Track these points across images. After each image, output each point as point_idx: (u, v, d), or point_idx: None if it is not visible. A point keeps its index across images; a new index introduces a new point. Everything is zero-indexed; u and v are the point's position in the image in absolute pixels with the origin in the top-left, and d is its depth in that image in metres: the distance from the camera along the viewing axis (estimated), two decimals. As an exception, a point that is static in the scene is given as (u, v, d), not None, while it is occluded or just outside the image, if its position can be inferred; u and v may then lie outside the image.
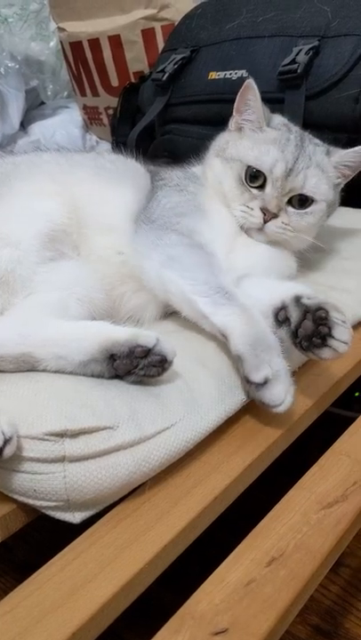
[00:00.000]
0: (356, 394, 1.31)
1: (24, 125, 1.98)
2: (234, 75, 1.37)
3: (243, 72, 1.35)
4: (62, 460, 0.60)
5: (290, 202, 0.91)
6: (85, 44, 1.83)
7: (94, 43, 1.80)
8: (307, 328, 0.70)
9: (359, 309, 0.93)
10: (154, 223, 0.86)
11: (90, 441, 0.61)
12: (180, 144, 1.51)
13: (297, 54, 1.25)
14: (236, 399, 0.72)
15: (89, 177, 0.92)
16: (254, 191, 0.90)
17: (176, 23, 1.62)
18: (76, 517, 0.61)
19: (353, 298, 0.93)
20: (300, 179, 0.89)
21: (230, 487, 0.65)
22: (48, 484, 0.60)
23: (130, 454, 0.62)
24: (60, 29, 1.90)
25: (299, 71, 1.23)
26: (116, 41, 1.76)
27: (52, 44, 2.08)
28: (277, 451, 0.73)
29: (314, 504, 0.65)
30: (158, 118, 1.55)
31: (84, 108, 2.00)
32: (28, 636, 0.50)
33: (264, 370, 0.68)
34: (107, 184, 0.92)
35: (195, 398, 0.69)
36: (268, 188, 0.90)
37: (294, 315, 0.72)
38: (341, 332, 0.69)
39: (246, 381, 0.69)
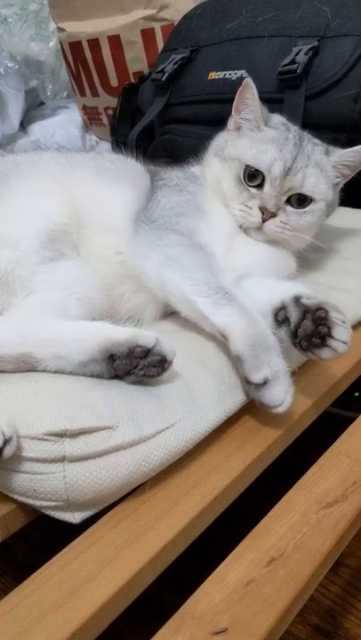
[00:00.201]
0: (356, 394, 1.31)
1: (24, 125, 1.98)
2: (233, 75, 1.37)
3: (242, 72, 1.35)
4: (62, 460, 0.60)
5: (288, 201, 0.91)
6: (85, 45, 1.83)
7: (94, 43, 1.80)
8: (306, 328, 0.70)
9: (359, 309, 0.93)
10: (154, 223, 0.86)
11: (90, 441, 0.61)
12: (179, 144, 1.51)
13: (296, 54, 1.26)
14: (236, 399, 0.72)
15: (89, 177, 0.92)
16: (253, 190, 0.90)
17: (176, 23, 1.62)
18: (75, 517, 0.61)
19: (353, 298, 0.93)
20: (298, 178, 0.89)
21: (230, 487, 0.65)
22: (48, 483, 0.60)
23: (130, 454, 0.62)
24: (60, 29, 1.90)
25: (298, 71, 1.24)
26: (115, 41, 1.76)
27: (51, 44, 2.08)
28: (277, 451, 0.73)
29: (314, 504, 0.65)
30: (158, 118, 1.55)
31: (84, 108, 2.00)
32: (28, 635, 0.50)
33: (264, 370, 0.68)
34: (106, 184, 0.92)
35: (194, 398, 0.69)
36: (267, 187, 0.90)
37: (294, 315, 0.73)
38: (341, 332, 0.69)
39: (246, 382, 0.69)
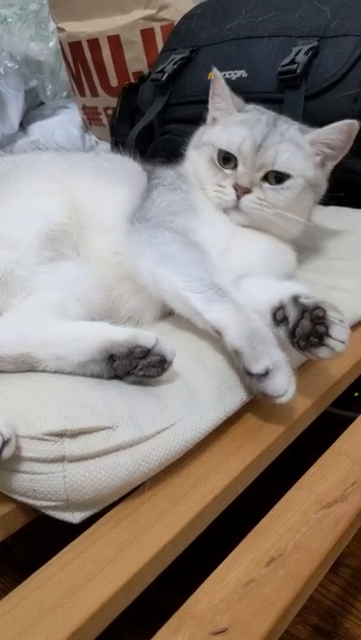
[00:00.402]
0: (356, 394, 1.31)
1: (23, 125, 1.98)
2: (233, 75, 1.37)
3: (242, 72, 1.35)
4: (62, 459, 0.60)
5: (266, 179, 0.91)
6: (85, 45, 1.83)
7: (93, 43, 1.80)
8: (304, 327, 0.70)
9: (359, 309, 0.93)
10: (148, 222, 0.86)
11: (89, 441, 0.61)
12: (179, 144, 1.50)
13: (296, 54, 1.26)
14: (236, 399, 0.72)
15: (87, 177, 0.92)
16: (227, 171, 0.92)
17: (175, 23, 1.62)
18: (75, 517, 0.61)
19: (352, 298, 0.93)
20: (270, 154, 0.90)
21: (230, 487, 0.65)
22: (48, 483, 0.60)
23: (129, 454, 0.62)
24: (60, 29, 1.90)
25: (298, 71, 1.24)
26: (115, 41, 1.76)
27: (51, 44, 2.08)
28: (277, 451, 0.73)
29: (313, 504, 0.65)
30: (158, 118, 1.55)
31: (84, 108, 2.00)
32: (28, 635, 0.50)
33: (264, 360, 0.67)
34: (104, 184, 0.92)
35: (194, 398, 0.69)
36: (240, 166, 0.91)
37: (292, 314, 0.72)
38: (339, 332, 0.70)
39: (246, 374, 0.68)
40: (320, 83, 1.24)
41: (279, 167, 0.90)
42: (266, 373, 0.67)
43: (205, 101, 1.08)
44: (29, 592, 0.54)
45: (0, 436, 0.58)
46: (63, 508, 0.61)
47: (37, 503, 0.61)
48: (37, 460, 0.60)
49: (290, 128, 0.95)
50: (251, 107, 1.00)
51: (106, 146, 1.93)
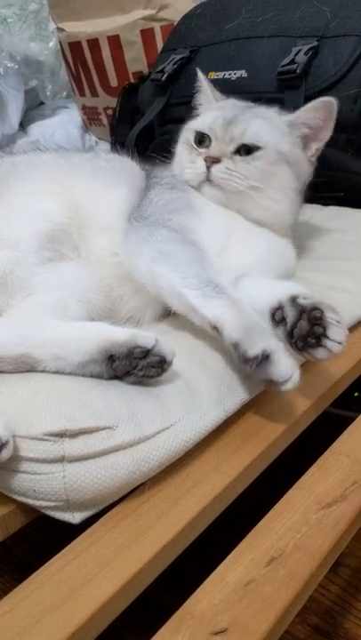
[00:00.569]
0: (356, 394, 1.31)
1: (23, 126, 1.98)
2: (233, 75, 1.37)
3: (242, 72, 1.35)
4: (62, 460, 0.60)
5: (238, 153, 0.93)
6: (84, 45, 1.83)
7: (93, 43, 1.80)
8: (302, 328, 0.70)
9: (358, 309, 0.93)
10: (146, 220, 0.86)
11: (89, 441, 0.61)
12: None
13: (296, 54, 1.26)
14: (236, 399, 0.72)
15: (86, 177, 0.93)
16: (201, 150, 0.95)
17: (175, 23, 1.62)
18: (75, 517, 0.61)
19: (352, 298, 0.93)
20: (240, 127, 0.93)
21: (230, 487, 0.65)
22: (47, 484, 0.60)
23: (129, 454, 0.62)
24: (60, 29, 1.90)
25: (298, 71, 1.24)
26: (115, 41, 1.75)
27: (51, 44, 2.08)
28: (277, 451, 0.73)
29: (313, 504, 0.65)
30: (158, 118, 1.55)
31: (84, 108, 2.00)
32: (28, 635, 0.50)
33: (261, 343, 0.66)
34: (103, 184, 0.92)
35: (194, 398, 0.69)
36: (212, 141, 0.95)
37: (290, 315, 0.72)
38: (336, 333, 0.70)
39: (245, 363, 0.67)
40: (320, 83, 1.24)
41: (248, 139, 0.93)
42: (266, 357, 0.65)
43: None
44: (29, 592, 0.54)
45: None
46: (63, 508, 0.61)
47: (37, 503, 0.61)
48: (37, 461, 0.60)
49: (266, 110, 0.98)
50: (230, 99, 1.05)
51: (106, 146, 1.92)
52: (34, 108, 2.08)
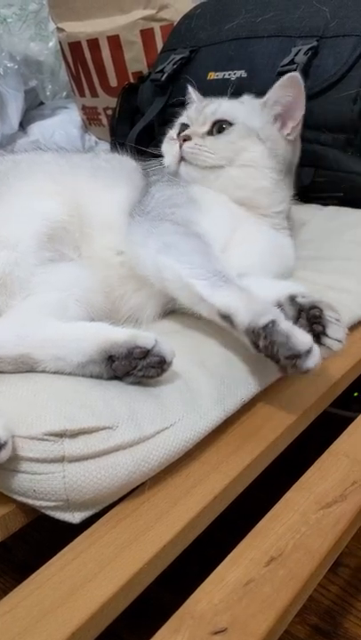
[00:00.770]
0: (355, 394, 1.32)
1: (23, 126, 1.98)
2: (233, 75, 1.37)
3: (242, 72, 1.35)
4: (62, 460, 0.60)
5: (211, 134, 0.98)
6: (84, 45, 1.83)
7: (93, 43, 1.80)
8: (301, 327, 0.70)
9: (358, 309, 0.93)
10: (148, 214, 0.87)
11: (89, 441, 0.61)
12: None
13: (296, 54, 1.25)
14: (236, 399, 0.72)
15: (87, 177, 0.93)
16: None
17: (175, 23, 1.62)
18: (75, 517, 0.61)
19: (352, 298, 0.93)
20: (212, 107, 1.00)
21: (230, 487, 0.65)
22: (47, 484, 0.60)
23: (129, 454, 0.62)
24: (59, 29, 1.90)
25: (298, 71, 1.23)
26: (115, 41, 1.75)
27: (51, 44, 2.07)
28: (277, 451, 0.73)
29: (313, 504, 0.65)
30: (158, 118, 1.55)
31: (83, 108, 2.00)
32: (28, 635, 0.50)
33: (268, 315, 0.65)
34: (104, 184, 0.92)
35: (194, 398, 0.69)
36: (189, 127, 1.00)
37: (289, 314, 0.73)
38: (335, 331, 0.70)
39: (254, 333, 0.66)
40: (320, 83, 1.24)
41: (220, 115, 0.98)
42: (277, 327, 0.64)
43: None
44: (29, 592, 0.54)
45: None
46: (63, 508, 0.61)
47: (37, 503, 0.61)
48: (37, 461, 0.60)
49: (240, 98, 1.05)
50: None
51: (105, 146, 1.92)
52: (34, 108, 2.08)
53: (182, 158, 0.97)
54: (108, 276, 0.84)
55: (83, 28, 1.81)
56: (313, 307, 0.71)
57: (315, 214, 1.25)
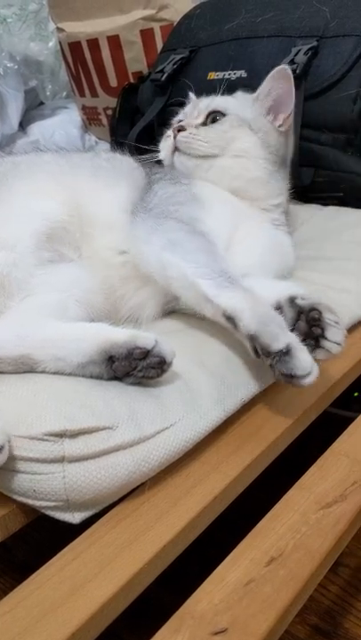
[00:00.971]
0: (356, 394, 1.32)
1: (23, 126, 1.98)
2: (233, 75, 1.37)
3: (242, 72, 1.35)
4: (62, 460, 0.60)
5: (204, 125, 1.01)
6: (84, 45, 1.83)
7: (93, 43, 1.80)
8: (301, 329, 0.70)
9: (358, 309, 0.93)
10: (151, 211, 0.87)
11: (89, 441, 0.61)
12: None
13: (296, 54, 1.25)
14: (236, 399, 0.72)
15: (87, 177, 0.93)
16: None
17: (175, 23, 1.62)
18: (75, 517, 0.61)
19: (352, 298, 0.94)
20: (206, 102, 1.04)
21: (230, 487, 0.65)
22: (47, 484, 0.60)
23: (129, 454, 0.62)
24: (59, 29, 1.90)
25: (298, 71, 1.23)
26: (114, 41, 1.75)
27: (50, 44, 2.07)
28: (277, 451, 0.73)
29: (313, 504, 0.65)
30: (158, 118, 1.55)
31: (83, 108, 2.00)
32: (28, 636, 0.50)
33: (284, 338, 0.66)
34: (104, 183, 0.92)
35: (194, 398, 0.69)
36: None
37: (289, 315, 0.72)
38: (334, 334, 0.70)
39: (267, 356, 0.66)
40: (320, 83, 1.24)
41: (213, 107, 1.02)
42: (288, 351, 0.65)
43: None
44: (29, 592, 0.54)
45: None
46: (63, 509, 0.61)
47: (37, 503, 0.61)
48: (37, 461, 0.60)
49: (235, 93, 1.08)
50: None
51: (105, 146, 1.92)
52: (34, 108, 2.08)
53: (176, 148, 0.99)
54: (109, 277, 0.84)
55: (83, 27, 1.81)
56: (312, 309, 0.70)
57: (314, 214, 1.25)
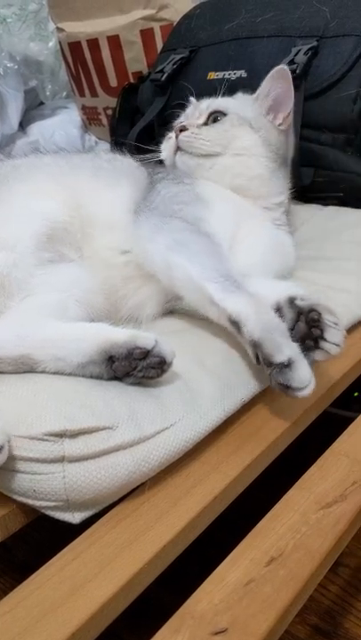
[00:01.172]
0: (356, 394, 1.32)
1: (23, 126, 1.98)
2: (233, 75, 1.37)
3: (242, 72, 1.35)
4: (62, 460, 0.60)
5: (206, 125, 1.03)
6: (84, 45, 1.83)
7: (93, 43, 1.80)
8: (300, 330, 0.70)
9: (358, 309, 0.93)
10: (156, 210, 0.87)
11: (89, 441, 0.61)
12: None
13: (296, 54, 1.25)
14: (236, 399, 0.72)
15: (88, 177, 0.93)
16: None
17: (175, 23, 1.62)
18: (75, 517, 0.61)
19: (352, 298, 0.93)
20: (207, 102, 1.06)
21: (230, 487, 0.65)
22: (47, 484, 0.60)
23: (129, 454, 0.62)
24: (59, 29, 1.90)
25: (298, 71, 1.23)
26: (114, 41, 1.75)
27: (50, 44, 2.07)
28: (277, 451, 0.73)
29: (313, 504, 0.65)
30: (158, 118, 1.55)
31: (83, 108, 2.00)
32: (28, 636, 0.50)
33: (287, 350, 0.66)
34: (105, 184, 0.92)
35: (194, 398, 0.69)
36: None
37: (288, 316, 0.72)
38: (333, 335, 0.70)
39: (268, 365, 0.67)
40: (320, 83, 1.24)
41: (215, 107, 1.04)
42: (289, 364, 0.65)
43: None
44: (29, 592, 0.54)
45: None
46: (63, 509, 0.61)
47: (37, 503, 0.61)
48: (37, 461, 0.60)
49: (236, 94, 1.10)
50: None
51: (105, 146, 1.92)
52: (33, 108, 2.08)
53: (178, 148, 1.00)
54: (110, 277, 0.84)
55: (83, 28, 1.81)
56: (312, 310, 0.70)
57: (314, 214, 1.25)
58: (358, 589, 1.05)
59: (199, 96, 1.14)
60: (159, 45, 1.69)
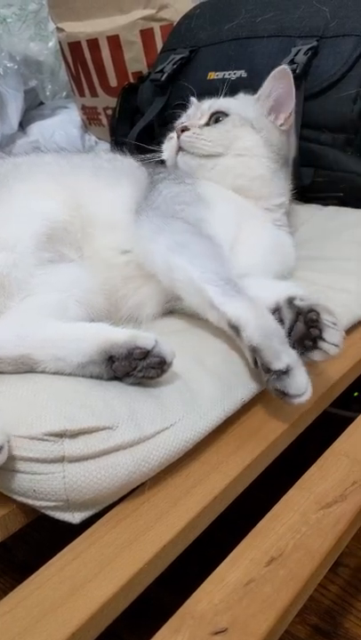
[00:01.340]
0: (355, 394, 1.32)
1: (23, 126, 1.98)
2: (233, 75, 1.37)
3: (242, 72, 1.35)
4: (62, 460, 0.60)
5: (207, 125, 1.03)
6: (84, 45, 1.83)
7: (93, 43, 1.80)
8: (299, 330, 0.70)
9: (358, 309, 0.93)
10: (157, 210, 0.87)
11: (89, 441, 0.61)
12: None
13: (296, 54, 1.25)
14: (236, 399, 0.72)
15: (89, 177, 0.93)
16: None
17: (175, 23, 1.62)
18: (75, 517, 0.61)
19: (352, 298, 0.93)
20: (209, 102, 1.07)
21: (230, 487, 0.65)
22: (47, 484, 0.60)
23: (129, 454, 0.62)
24: (59, 29, 1.90)
25: (297, 71, 1.23)
26: (114, 41, 1.75)
27: (50, 44, 2.07)
28: (277, 451, 0.73)
29: (313, 504, 0.65)
30: (158, 118, 1.55)
31: (83, 108, 2.00)
32: (28, 636, 0.50)
33: (285, 357, 0.66)
34: (105, 183, 0.92)
35: (194, 398, 0.69)
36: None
37: (287, 316, 0.72)
38: (332, 335, 0.70)
39: (266, 371, 0.67)
40: (320, 83, 1.24)
41: (216, 108, 1.04)
42: (286, 371, 0.66)
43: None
44: (29, 592, 0.54)
45: None
46: (63, 509, 0.61)
47: (37, 503, 0.61)
48: (37, 461, 0.60)
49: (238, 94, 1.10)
50: None
51: (105, 146, 1.92)
52: (33, 108, 2.08)
53: (180, 148, 1.00)
54: (111, 277, 0.84)
55: (82, 28, 1.81)
56: (310, 310, 0.70)
57: (314, 214, 1.26)
58: (358, 589, 1.05)
59: (199, 96, 1.14)
60: (159, 45, 1.69)
